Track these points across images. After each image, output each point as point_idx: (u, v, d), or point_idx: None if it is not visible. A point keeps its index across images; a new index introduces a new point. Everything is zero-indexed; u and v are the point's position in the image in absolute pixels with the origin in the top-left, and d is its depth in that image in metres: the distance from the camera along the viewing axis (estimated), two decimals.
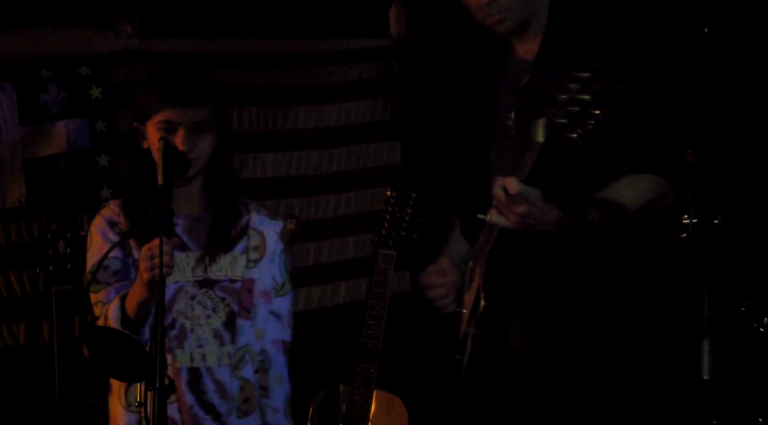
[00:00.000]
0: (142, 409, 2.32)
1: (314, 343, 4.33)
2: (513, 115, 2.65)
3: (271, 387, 2.86)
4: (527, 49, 2.67)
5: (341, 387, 4.08)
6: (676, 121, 2.55)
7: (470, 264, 2.75)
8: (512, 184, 2.31)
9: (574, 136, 2.43)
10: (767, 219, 4.16)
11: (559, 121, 2.26)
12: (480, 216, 2.66)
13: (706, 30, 3.59)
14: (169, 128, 2.69)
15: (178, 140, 2.68)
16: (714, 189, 4.00)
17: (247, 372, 2.82)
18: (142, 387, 2.31)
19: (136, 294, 2.60)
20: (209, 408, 2.76)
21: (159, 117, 2.70)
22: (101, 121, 4.01)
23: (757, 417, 3.89)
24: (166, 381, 2.29)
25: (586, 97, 2.42)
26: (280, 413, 2.87)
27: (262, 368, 2.85)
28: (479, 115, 2.76)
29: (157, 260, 2.40)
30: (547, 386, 2.65)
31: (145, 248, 2.50)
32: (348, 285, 4.58)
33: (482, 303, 2.60)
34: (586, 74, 2.50)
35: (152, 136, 2.71)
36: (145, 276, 2.48)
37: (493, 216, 2.37)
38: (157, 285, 2.37)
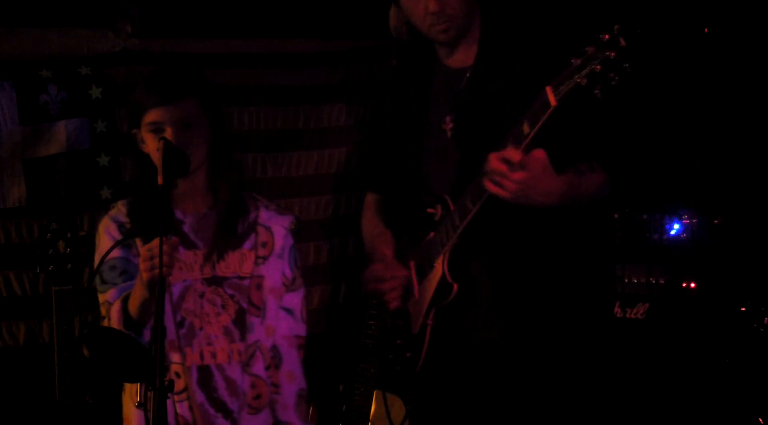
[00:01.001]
0: (143, 409, 2.32)
1: (314, 343, 4.33)
2: (449, 118, 2.70)
3: (282, 383, 2.87)
4: (461, 58, 2.77)
5: (341, 387, 4.09)
6: (623, 116, 2.62)
7: (412, 263, 2.79)
8: (514, 153, 2.38)
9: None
10: (767, 220, 4.16)
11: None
12: (431, 210, 2.72)
13: (706, 30, 3.59)
14: (157, 129, 2.70)
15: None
16: (714, 189, 4.00)
17: (258, 368, 2.82)
18: (142, 387, 2.31)
19: (137, 294, 2.61)
20: (220, 406, 2.77)
21: (146, 120, 2.72)
22: (101, 121, 4.00)
23: (757, 417, 3.90)
24: (166, 382, 2.29)
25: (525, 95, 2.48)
26: (291, 409, 2.87)
27: (273, 364, 2.86)
28: (410, 124, 2.83)
29: (156, 260, 2.40)
30: (515, 375, 2.68)
31: (144, 248, 2.50)
32: (348, 286, 4.58)
33: (455, 288, 2.64)
34: (526, 75, 2.59)
35: (146, 139, 2.73)
36: (145, 276, 2.49)
37: (490, 187, 2.42)
38: (157, 286, 2.37)
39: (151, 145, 2.70)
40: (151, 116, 2.70)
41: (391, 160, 2.92)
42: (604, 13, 4.13)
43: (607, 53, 2.20)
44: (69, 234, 3.63)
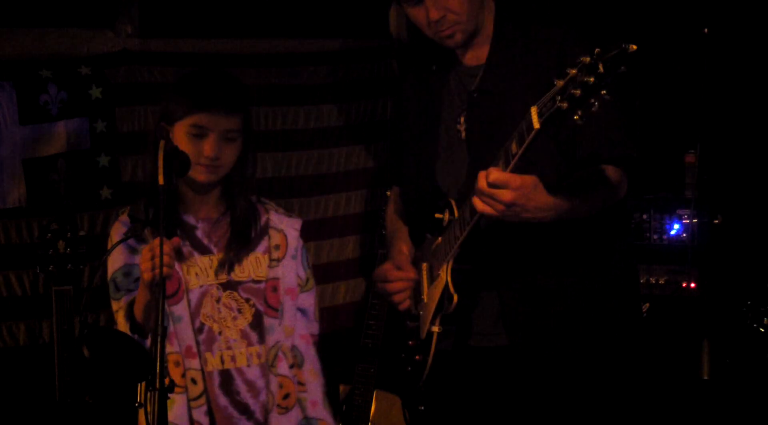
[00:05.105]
0: (142, 409, 2.32)
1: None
2: (463, 118, 2.69)
3: (308, 381, 2.89)
4: (475, 55, 2.74)
5: (341, 387, 4.09)
6: (634, 115, 2.59)
7: (425, 264, 2.79)
8: (495, 173, 2.35)
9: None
10: (767, 220, 4.16)
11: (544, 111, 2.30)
12: (438, 215, 2.70)
13: (706, 30, 3.59)
14: (199, 133, 2.70)
15: (207, 145, 2.70)
16: (714, 189, 4.01)
17: (283, 368, 2.84)
18: (142, 387, 2.31)
19: (141, 297, 2.61)
20: (243, 409, 2.79)
21: (190, 120, 2.71)
22: (101, 121, 4.00)
23: (757, 417, 3.90)
24: (167, 382, 2.29)
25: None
26: (319, 405, 2.89)
27: (296, 363, 2.87)
28: (427, 121, 2.81)
29: (157, 260, 2.40)
30: (521, 382, 2.66)
31: (145, 249, 2.50)
32: (348, 285, 4.58)
33: (455, 299, 2.63)
34: (536, 74, 2.56)
35: (180, 137, 2.71)
36: (146, 276, 2.49)
37: (478, 206, 2.39)
38: (157, 286, 2.37)
39: (183, 146, 2.66)
40: (199, 119, 2.70)
41: (408, 159, 2.91)
42: (621, 13, 4.14)
43: (586, 79, 2.14)
44: (69, 234, 3.63)
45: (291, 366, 2.86)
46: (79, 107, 3.97)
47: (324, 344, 4.34)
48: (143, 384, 2.32)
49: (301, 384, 2.88)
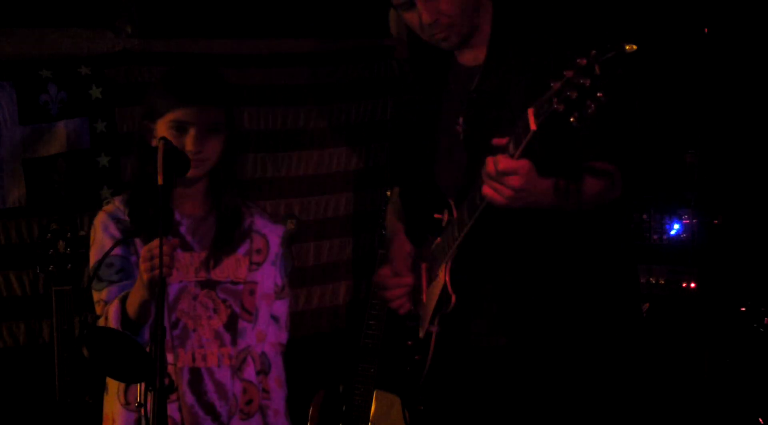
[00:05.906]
0: (142, 409, 2.32)
1: (314, 343, 4.33)
2: (462, 119, 2.70)
3: (272, 389, 2.88)
4: (473, 56, 2.74)
5: (341, 387, 4.09)
6: (628, 116, 2.58)
7: (425, 264, 2.79)
8: (504, 161, 2.34)
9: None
10: (767, 220, 4.16)
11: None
12: (437, 215, 2.71)
13: (706, 30, 3.59)
14: (180, 127, 2.70)
15: (189, 140, 2.69)
16: (714, 189, 4.01)
17: (250, 373, 2.83)
18: (142, 387, 2.31)
19: (137, 295, 2.60)
20: (209, 409, 2.77)
21: (170, 116, 2.71)
22: (101, 121, 4.00)
23: (757, 417, 3.90)
24: (166, 382, 2.29)
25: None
26: (281, 415, 2.88)
27: (263, 370, 2.86)
28: (427, 121, 2.82)
29: (157, 260, 2.40)
30: (520, 382, 2.67)
31: (145, 249, 2.50)
32: (348, 285, 4.58)
33: (453, 299, 2.63)
34: (535, 74, 2.56)
35: (163, 133, 2.71)
36: (145, 276, 2.49)
37: (488, 192, 2.38)
38: (157, 286, 2.37)
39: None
40: (178, 114, 2.70)
41: (408, 159, 2.91)
42: (620, 13, 4.14)
43: (582, 81, 2.12)
44: (69, 234, 3.63)
45: (258, 373, 2.85)
46: (79, 107, 3.97)
47: (324, 344, 4.36)
48: (143, 384, 2.32)
49: (265, 391, 2.87)
